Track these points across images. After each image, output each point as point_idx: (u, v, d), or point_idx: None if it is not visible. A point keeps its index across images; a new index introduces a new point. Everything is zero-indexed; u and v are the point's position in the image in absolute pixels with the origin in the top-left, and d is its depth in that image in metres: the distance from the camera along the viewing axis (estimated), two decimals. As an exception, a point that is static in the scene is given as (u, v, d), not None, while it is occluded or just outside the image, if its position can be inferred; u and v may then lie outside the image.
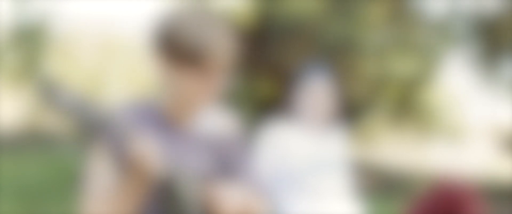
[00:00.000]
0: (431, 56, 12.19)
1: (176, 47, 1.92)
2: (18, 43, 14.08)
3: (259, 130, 4.11)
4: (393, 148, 14.32)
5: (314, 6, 10.86)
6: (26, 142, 12.00)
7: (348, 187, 4.05)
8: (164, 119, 2.02)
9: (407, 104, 12.45)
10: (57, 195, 7.14)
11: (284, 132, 4.03)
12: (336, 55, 10.64)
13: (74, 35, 18.29)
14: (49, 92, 1.81)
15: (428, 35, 12.17)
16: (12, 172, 8.65)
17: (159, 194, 1.94)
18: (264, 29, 11.09)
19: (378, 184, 8.80)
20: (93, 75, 19.45)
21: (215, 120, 2.10)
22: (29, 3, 13.80)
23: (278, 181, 3.99)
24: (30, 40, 14.32)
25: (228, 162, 2.07)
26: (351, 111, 9.89)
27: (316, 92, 4.02)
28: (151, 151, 1.84)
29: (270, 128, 4.05)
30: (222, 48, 1.96)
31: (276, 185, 3.99)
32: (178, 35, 1.92)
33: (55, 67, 17.29)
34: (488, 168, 12.95)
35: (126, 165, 1.83)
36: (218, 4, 11.20)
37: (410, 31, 11.87)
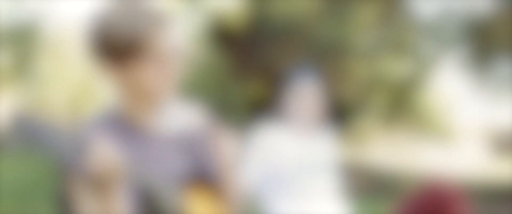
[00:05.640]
0: (423, 58, 12.21)
1: (111, 43, 1.90)
2: (10, 43, 14.08)
3: (249, 131, 4.12)
4: (384, 150, 14.35)
5: (305, 8, 10.87)
6: (18, 142, 11.99)
7: (337, 189, 4.06)
8: (127, 124, 1.98)
9: (398, 106, 12.48)
10: (49, 194, 7.14)
11: (273, 134, 4.03)
12: (328, 57, 10.65)
13: (67, 35, 18.27)
14: (18, 121, 1.82)
15: (420, 37, 12.19)
16: (7, 173, 8.65)
17: (139, 203, 1.93)
18: (256, 31, 11.11)
19: (368, 185, 8.81)
20: (85, 75, 19.43)
21: (181, 116, 2.07)
22: (22, 4, 13.80)
23: (267, 182, 3.99)
24: (23, 41, 14.33)
25: (200, 158, 2.05)
26: (342, 113, 9.90)
27: (305, 94, 4.02)
28: (111, 153, 1.82)
29: (260, 129, 4.05)
30: (159, 37, 1.94)
31: (265, 186, 3.99)
32: (111, 31, 1.90)
33: (47, 68, 17.27)
34: (480, 169, 13.00)
35: (92, 173, 1.82)
36: (210, 6, 11.21)
37: (402, 33, 11.89)
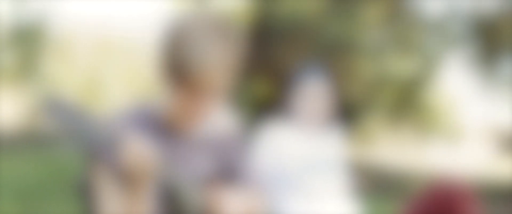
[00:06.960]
0: (429, 57, 12.20)
1: (176, 63, 1.90)
2: (16, 43, 14.09)
3: (256, 130, 4.12)
4: (391, 149, 14.32)
5: (312, 7, 10.87)
6: (24, 142, 11.99)
7: (344, 188, 4.06)
8: (164, 124, 2.00)
9: (405, 105, 12.46)
10: (55, 195, 7.14)
11: (280, 133, 4.03)
12: (334, 55, 10.65)
13: (72, 36, 18.29)
14: (49, 104, 1.81)
15: (426, 35, 12.18)
16: (10, 173, 8.65)
17: (162, 201, 1.93)
18: (262, 29, 11.10)
19: (375, 184, 8.80)
20: (91, 76, 19.45)
21: (215, 122, 2.08)
22: (27, 4, 13.81)
23: (274, 181, 3.99)
24: (28, 41, 14.33)
25: (229, 164, 2.06)
26: (349, 112, 9.89)
27: (312, 93, 4.02)
28: (145, 151, 1.82)
29: (267, 128, 4.05)
30: (222, 62, 1.94)
31: (272, 185, 3.99)
32: (179, 52, 1.90)
33: (53, 68, 17.29)
34: (486, 168, 12.96)
35: (123, 168, 1.81)
36: (216, 4, 11.21)
37: (408, 32, 11.88)
